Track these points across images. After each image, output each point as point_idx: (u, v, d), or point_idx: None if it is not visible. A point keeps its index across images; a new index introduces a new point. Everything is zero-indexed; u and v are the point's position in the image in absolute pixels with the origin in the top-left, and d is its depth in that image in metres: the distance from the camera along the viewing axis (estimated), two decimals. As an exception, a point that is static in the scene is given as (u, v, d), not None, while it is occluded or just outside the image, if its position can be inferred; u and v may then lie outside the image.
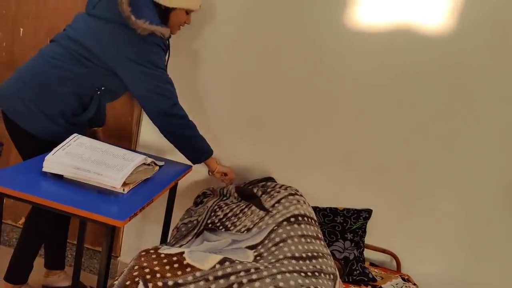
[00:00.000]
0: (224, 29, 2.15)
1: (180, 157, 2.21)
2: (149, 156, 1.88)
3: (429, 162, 2.09)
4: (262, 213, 1.72)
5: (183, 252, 1.41)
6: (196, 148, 1.95)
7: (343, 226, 2.15)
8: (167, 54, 1.94)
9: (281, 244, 1.53)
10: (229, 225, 1.74)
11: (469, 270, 2.17)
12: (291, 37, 2.09)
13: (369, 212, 2.16)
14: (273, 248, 1.52)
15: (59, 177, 1.58)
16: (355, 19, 2.01)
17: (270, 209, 1.72)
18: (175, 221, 2.04)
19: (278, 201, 1.74)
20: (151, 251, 1.41)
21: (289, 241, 1.55)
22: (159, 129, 1.90)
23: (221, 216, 1.80)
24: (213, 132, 2.23)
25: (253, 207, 1.78)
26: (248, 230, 1.66)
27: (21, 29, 2.49)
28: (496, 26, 1.91)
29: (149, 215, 2.38)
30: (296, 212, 1.67)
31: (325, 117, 2.14)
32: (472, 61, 1.96)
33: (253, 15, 2.11)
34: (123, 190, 1.58)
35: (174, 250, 1.43)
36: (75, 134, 1.76)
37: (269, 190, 1.88)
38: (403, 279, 2.10)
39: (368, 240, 2.20)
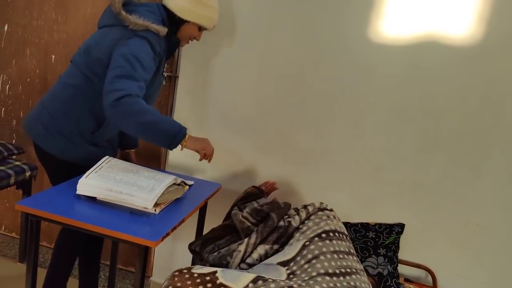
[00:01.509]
0: (248, 47, 2.17)
1: (209, 177, 2.23)
2: (179, 176, 1.90)
3: (463, 174, 2.05)
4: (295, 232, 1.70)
5: (216, 272, 1.41)
6: (163, 131, 1.70)
7: (376, 242, 2.12)
8: (167, 57, 1.96)
9: (313, 261, 1.51)
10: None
11: (510, 285, 2.10)
12: (317, 52, 2.10)
13: (401, 226, 2.12)
14: (306, 266, 1.50)
15: (92, 199, 1.61)
16: (381, 32, 2.00)
17: (300, 226, 1.70)
18: (205, 240, 2.04)
19: (308, 217, 1.72)
20: (184, 270, 1.42)
21: (321, 257, 1.53)
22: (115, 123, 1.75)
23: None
24: (241, 149, 2.25)
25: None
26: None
27: (53, 56, 2.58)
28: (525, 33, 1.87)
29: (180, 235, 2.40)
30: (327, 228, 1.65)
31: (354, 131, 2.13)
32: (501, 70, 1.92)
33: (277, 32, 2.13)
34: (155, 210, 1.59)
35: (207, 269, 1.43)
36: (107, 157, 1.79)
37: (297, 207, 1.85)
38: (440, 295, 2.04)
39: (401, 255, 2.15)
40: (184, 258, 2.33)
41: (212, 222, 2.13)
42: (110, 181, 1.62)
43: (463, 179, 2.05)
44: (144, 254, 1.47)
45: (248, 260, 1.58)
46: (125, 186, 1.61)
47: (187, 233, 2.21)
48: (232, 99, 2.24)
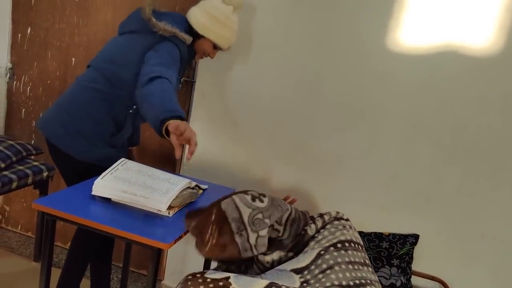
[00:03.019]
0: (266, 54, 2.18)
1: (223, 181, 2.24)
2: (193, 180, 1.90)
3: (480, 186, 2.02)
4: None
5: (229, 277, 1.41)
6: (163, 106, 1.60)
7: (389, 252, 2.10)
8: (186, 66, 2.02)
9: (328, 271, 1.50)
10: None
11: (525, 300, 2.06)
12: (334, 60, 2.10)
13: (415, 237, 2.09)
14: (320, 275, 1.49)
15: (107, 200, 1.63)
16: (399, 40, 1.99)
17: (315, 234, 1.68)
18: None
19: (323, 226, 1.70)
20: (198, 275, 1.42)
21: (336, 268, 1.51)
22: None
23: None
24: (256, 154, 2.25)
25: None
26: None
27: (73, 59, 2.62)
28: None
29: (192, 238, 2.40)
30: (343, 238, 1.63)
31: (370, 140, 2.11)
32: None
33: (295, 39, 2.13)
34: (169, 213, 1.60)
35: (220, 275, 1.43)
36: (122, 159, 1.81)
37: (313, 215, 1.84)
38: (454, 309, 2.01)
39: (415, 266, 2.12)
40: (196, 262, 2.33)
41: (225, 227, 2.12)
42: (125, 183, 1.64)
43: (480, 190, 2.02)
44: (156, 257, 1.48)
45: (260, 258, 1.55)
46: (140, 188, 1.63)
47: (200, 237, 2.21)
48: (248, 104, 2.24)
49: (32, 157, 2.55)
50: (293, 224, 1.63)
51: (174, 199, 1.62)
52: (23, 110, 2.79)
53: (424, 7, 1.94)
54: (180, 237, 1.50)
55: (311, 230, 1.67)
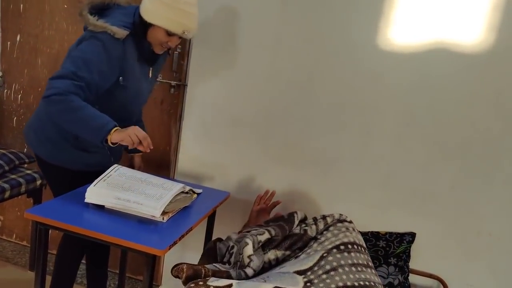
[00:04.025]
0: (257, 55, 2.17)
1: (218, 185, 2.23)
2: (187, 184, 1.89)
3: (473, 183, 2.02)
4: (311, 241, 1.68)
5: (231, 285, 1.40)
6: (90, 127, 1.67)
7: (386, 251, 2.09)
8: (150, 62, 1.91)
9: (332, 273, 1.49)
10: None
11: (523, 295, 2.06)
12: (325, 60, 2.09)
13: (412, 235, 2.09)
14: (324, 276, 1.48)
15: (101, 208, 1.62)
16: (390, 39, 1.99)
17: (318, 236, 1.68)
18: (214, 248, 2.04)
19: (326, 228, 1.70)
20: (200, 283, 1.41)
21: (340, 270, 1.51)
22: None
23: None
24: (250, 157, 2.24)
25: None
26: (296, 257, 1.63)
27: (64, 66, 2.60)
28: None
29: (189, 243, 2.39)
30: (346, 240, 1.62)
31: (363, 139, 2.11)
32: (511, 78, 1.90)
33: (285, 39, 2.12)
34: (163, 218, 1.59)
35: (223, 282, 1.41)
36: (115, 165, 1.80)
37: (316, 217, 1.83)
38: (452, 306, 2.01)
39: (413, 264, 2.12)
40: (193, 267, 2.32)
41: (221, 230, 2.12)
42: (118, 189, 1.63)
43: (474, 187, 2.02)
44: (151, 263, 1.47)
45: (253, 265, 1.55)
46: (133, 194, 1.62)
47: (196, 241, 2.20)
48: (240, 106, 2.24)
49: (25, 165, 2.53)
50: (276, 222, 1.69)
51: (168, 205, 1.60)
52: (15, 118, 2.77)
53: (414, 6, 1.94)
54: (175, 243, 1.49)
55: (311, 230, 1.67)
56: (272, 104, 2.20)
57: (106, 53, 1.73)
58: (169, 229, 1.57)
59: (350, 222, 1.73)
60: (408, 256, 2.10)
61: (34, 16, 2.60)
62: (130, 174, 1.77)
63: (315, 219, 1.73)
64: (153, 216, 1.58)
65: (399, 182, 2.10)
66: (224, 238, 1.79)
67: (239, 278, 1.53)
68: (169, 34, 1.79)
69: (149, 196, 1.62)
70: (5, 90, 2.75)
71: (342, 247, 1.59)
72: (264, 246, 1.62)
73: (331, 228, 1.68)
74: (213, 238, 2.06)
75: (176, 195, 1.68)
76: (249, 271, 1.52)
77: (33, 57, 2.66)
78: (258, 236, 1.60)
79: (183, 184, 1.79)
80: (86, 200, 1.62)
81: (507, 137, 1.95)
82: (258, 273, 1.55)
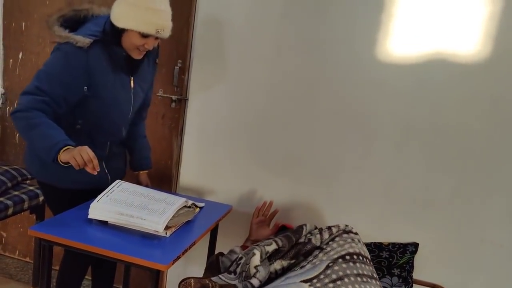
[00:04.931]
0: (256, 67, 2.18)
1: (220, 198, 2.23)
2: (190, 198, 1.90)
3: (475, 191, 2.02)
4: (316, 251, 1.68)
5: None
6: (41, 146, 1.67)
7: (389, 262, 2.09)
8: (127, 71, 1.86)
9: (338, 282, 1.50)
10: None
11: (528, 304, 2.05)
12: (324, 72, 2.10)
13: (415, 245, 2.09)
14: (331, 285, 1.48)
15: (104, 223, 1.62)
16: (388, 50, 2.01)
17: (324, 246, 1.68)
18: (217, 262, 2.04)
19: (332, 239, 1.70)
20: None
21: (346, 279, 1.51)
22: None
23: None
24: (252, 169, 2.25)
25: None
26: (302, 267, 1.63)
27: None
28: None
29: (192, 257, 2.39)
30: (351, 250, 1.63)
31: (363, 151, 2.12)
32: (509, 87, 1.91)
33: (285, 52, 2.14)
34: (166, 233, 1.60)
35: None
36: (118, 180, 1.81)
37: (321, 227, 1.83)
38: (457, 316, 2.00)
39: (416, 275, 2.12)
40: (197, 281, 2.32)
41: (224, 243, 2.12)
42: (121, 205, 1.64)
43: (475, 195, 2.02)
44: (155, 278, 1.47)
45: (259, 275, 1.55)
46: (136, 209, 1.62)
47: (199, 255, 2.21)
48: (241, 120, 2.25)
49: (28, 181, 2.53)
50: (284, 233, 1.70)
51: (171, 219, 1.61)
52: (17, 135, 2.78)
53: (412, 17, 1.96)
54: (178, 257, 1.49)
55: (315, 239, 1.68)
56: (273, 117, 2.21)
57: (68, 63, 1.70)
58: (172, 243, 1.57)
59: (356, 233, 1.74)
60: (412, 267, 2.09)
61: (35, 33, 2.63)
62: (133, 189, 1.78)
63: (320, 230, 1.74)
64: (156, 231, 1.59)
65: (400, 192, 2.10)
66: (225, 253, 1.79)
67: None
68: (144, 36, 1.72)
69: (152, 211, 1.63)
70: (7, 107, 2.77)
71: (347, 257, 1.59)
72: (271, 257, 1.63)
73: (336, 239, 1.69)
74: (216, 251, 2.07)
75: (179, 209, 1.69)
76: (255, 282, 1.52)
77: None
78: (265, 246, 1.60)
79: (186, 198, 1.80)
80: (90, 216, 1.63)
81: (506, 144, 1.96)
82: (264, 284, 1.55)
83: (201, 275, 2.12)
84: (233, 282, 1.56)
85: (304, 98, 2.16)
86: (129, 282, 2.38)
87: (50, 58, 1.75)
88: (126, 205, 1.64)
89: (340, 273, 1.53)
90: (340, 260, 1.58)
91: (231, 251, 1.78)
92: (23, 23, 2.65)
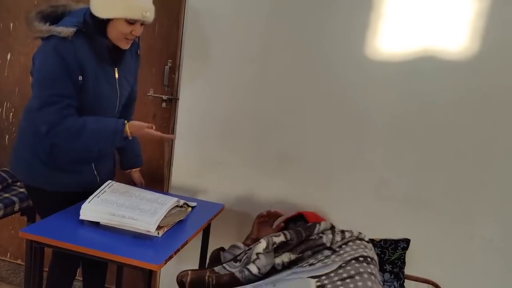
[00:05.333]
0: (246, 67, 2.19)
1: (212, 197, 2.23)
2: (181, 197, 1.90)
3: (465, 188, 2.04)
4: (327, 252, 1.67)
5: None
6: (103, 137, 1.74)
7: (381, 258, 2.10)
8: (112, 62, 1.84)
9: (347, 280, 1.47)
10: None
11: (518, 298, 2.07)
12: (314, 71, 2.11)
13: (407, 241, 2.10)
14: (339, 283, 1.47)
15: (96, 224, 1.62)
16: (377, 48, 2.02)
17: (337, 249, 1.67)
18: (210, 261, 2.04)
19: (346, 243, 1.70)
20: None
21: (357, 277, 1.49)
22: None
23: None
24: (243, 168, 2.25)
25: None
26: (311, 265, 1.62)
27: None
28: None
29: (184, 257, 2.38)
30: (365, 254, 1.62)
31: (354, 149, 2.13)
32: (497, 82, 1.93)
33: (274, 51, 2.14)
34: (158, 233, 1.60)
35: None
36: (109, 181, 1.80)
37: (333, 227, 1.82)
38: (449, 310, 2.02)
39: (408, 270, 2.13)
40: (190, 280, 2.32)
41: (216, 243, 2.12)
42: (112, 205, 1.63)
43: (466, 192, 2.04)
44: (148, 278, 1.47)
45: (258, 262, 1.54)
46: (128, 209, 1.62)
47: (192, 255, 2.20)
48: (233, 119, 2.25)
49: (18, 183, 2.52)
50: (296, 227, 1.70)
51: (162, 219, 1.61)
52: (7, 136, 2.77)
53: (400, 16, 1.97)
54: (171, 257, 1.49)
55: (327, 238, 1.67)
56: (264, 116, 2.21)
57: (59, 57, 1.68)
58: (165, 243, 1.57)
59: (368, 242, 1.73)
60: (403, 263, 2.11)
61: (24, 34, 2.61)
62: (124, 189, 1.78)
63: (333, 230, 1.72)
64: (148, 231, 1.58)
65: (392, 189, 2.11)
66: (226, 248, 1.79)
67: (242, 276, 1.53)
68: (130, 22, 1.71)
69: (144, 211, 1.63)
70: (-4, 109, 2.75)
71: (361, 258, 1.58)
72: (278, 249, 1.61)
73: (350, 243, 1.67)
74: (209, 251, 2.07)
75: (171, 209, 1.69)
76: (253, 268, 1.52)
77: (24, 75, 2.65)
78: (274, 237, 1.59)
79: (177, 198, 1.80)
80: (81, 217, 1.62)
81: (496, 141, 1.98)
82: (265, 275, 1.55)
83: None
84: (233, 270, 1.55)
85: (295, 97, 2.16)
86: (122, 283, 2.38)
87: (40, 60, 1.72)
88: (117, 206, 1.64)
89: (352, 272, 1.50)
90: (353, 261, 1.56)
91: (234, 246, 1.77)
92: (11, 24, 2.63)
